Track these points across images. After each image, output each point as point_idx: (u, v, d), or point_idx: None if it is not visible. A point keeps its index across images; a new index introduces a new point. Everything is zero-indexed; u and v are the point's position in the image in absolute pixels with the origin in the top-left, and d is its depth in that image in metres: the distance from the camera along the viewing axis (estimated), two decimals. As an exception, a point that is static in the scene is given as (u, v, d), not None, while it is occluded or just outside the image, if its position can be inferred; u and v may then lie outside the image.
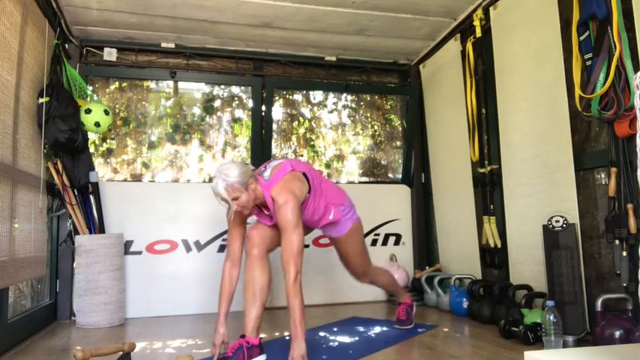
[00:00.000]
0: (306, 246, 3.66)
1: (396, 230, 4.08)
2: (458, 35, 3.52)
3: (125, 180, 3.73)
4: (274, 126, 4.07)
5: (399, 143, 4.42)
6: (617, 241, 2.18)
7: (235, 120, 4.05)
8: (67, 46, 3.45)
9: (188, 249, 3.60)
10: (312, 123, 4.26)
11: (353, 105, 4.36)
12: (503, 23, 3.03)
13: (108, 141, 3.76)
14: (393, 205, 4.11)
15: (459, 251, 3.58)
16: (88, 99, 3.45)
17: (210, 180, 2.13)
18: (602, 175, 2.44)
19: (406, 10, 3.34)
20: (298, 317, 2.00)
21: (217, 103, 4.03)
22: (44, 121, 2.85)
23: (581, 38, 2.33)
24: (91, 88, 3.67)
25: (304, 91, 4.24)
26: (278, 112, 4.15)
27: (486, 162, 3.23)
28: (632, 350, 1.58)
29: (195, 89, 4.00)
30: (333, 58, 4.12)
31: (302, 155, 4.17)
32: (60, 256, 3.34)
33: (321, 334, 2.73)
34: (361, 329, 2.84)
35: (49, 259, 3.24)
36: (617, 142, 2.24)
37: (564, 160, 2.50)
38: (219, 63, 3.95)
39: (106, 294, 3.07)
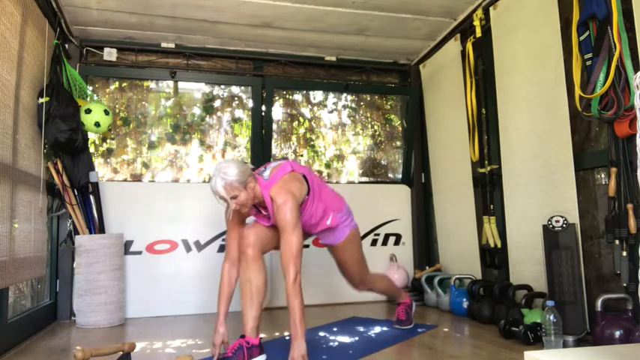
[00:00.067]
0: (306, 246, 3.66)
1: (396, 230, 4.08)
2: (458, 35, 3.52)
3: (125, 180, 3.73)
4: (274, 126, 4.07)
5: (399, 143, 4.42)
6: (617, 241, 2.18)
7: (235, 120, 4.05)
8: (67, 46, 3.45)
9: (188, 249, 3.60)
10: (312, 123, 4.26)
11: (353, 105, 4.36)
12: (503, 23, 3.03)
13: (108, 141, 3.76)
14: (393, 205, 4.11)
15: (459, 251, 3.58)
16: (88, 99, 3.45)
17: (210, 179, 2.13)
18: (602, 175, 2.44)
19: (406, 10, 3.34)
20: (298, 317, 2.01)
21: (217, 103, 4.03)
22: (44, 121, 2.85)
23: (581, 38, 2.33)
24: (91, 88, 3.67)
25: (304, 91, 4.24)
26: (278, 112, 4.15)
27: (486, 162, 3.23)
28: (632, 350, 1.58)
29: (195, 89, 4.00)
30: (333, 58, 4.12)
31: (302, 155, 4.17)
32: (60, 256, 3.34)
33: (321, 334, 2.73)
34: (361, 329, 2.84)
35: (49, 259, 3.24)
36: (617, 142, 2.24)
37: (564, 160, 2.50)
38: (219, 63, 3.95)
39: (106, 294, 3.08)
